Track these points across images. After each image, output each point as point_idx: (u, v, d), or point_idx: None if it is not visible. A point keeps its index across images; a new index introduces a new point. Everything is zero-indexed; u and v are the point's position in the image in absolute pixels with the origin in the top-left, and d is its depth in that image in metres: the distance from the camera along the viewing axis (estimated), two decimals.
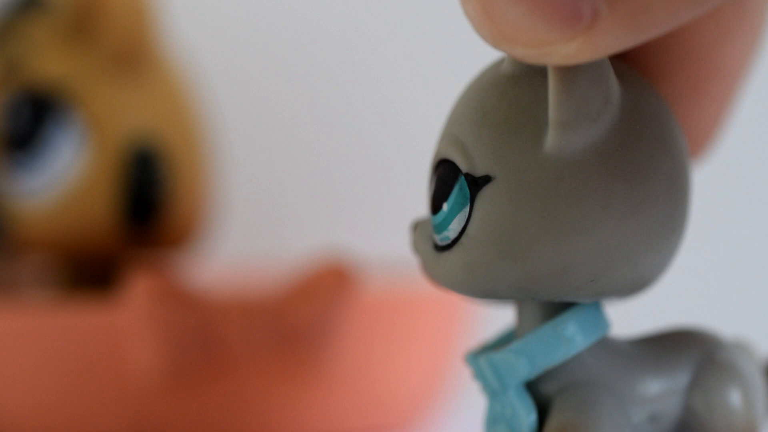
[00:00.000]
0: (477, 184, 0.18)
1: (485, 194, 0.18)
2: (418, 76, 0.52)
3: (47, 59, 0.37)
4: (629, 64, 0.20)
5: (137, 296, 0.32)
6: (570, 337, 0.18)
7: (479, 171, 0.18)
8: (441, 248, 0.18)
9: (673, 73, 0.20)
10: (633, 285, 0.18)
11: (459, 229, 0.18)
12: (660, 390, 0.19)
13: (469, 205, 0.18)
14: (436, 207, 0.18)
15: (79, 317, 0.33)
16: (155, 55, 0.38)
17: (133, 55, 0.38)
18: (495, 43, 0.15)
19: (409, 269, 0.38)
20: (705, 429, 0.19)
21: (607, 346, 0.19)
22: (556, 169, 0.17)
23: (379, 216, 0.52)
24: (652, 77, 0.20)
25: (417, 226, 0.20)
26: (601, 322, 0.19)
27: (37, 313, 0.34)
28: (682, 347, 0.20)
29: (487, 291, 0.18)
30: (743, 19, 0.19)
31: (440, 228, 0.18)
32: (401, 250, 0.40)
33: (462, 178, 0.18)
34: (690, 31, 0.19)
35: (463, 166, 0.18)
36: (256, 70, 0.52)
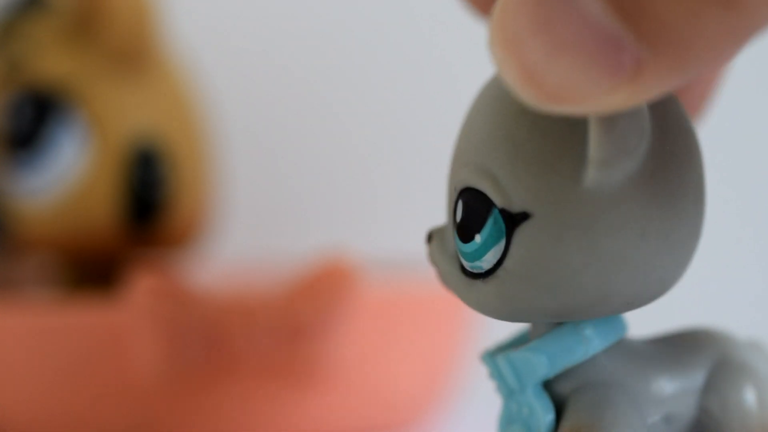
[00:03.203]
0: (514, 220, 0.17)
1: (524, 231, 0.17)
2: (418, 77, 0.52)
3: (50, 58, 0.37)
4: None
5: (139, 296, 0.32)
6: (589, 337, 0.18)
7: (516, 207, 0.17)
8: (473, 275, 0.18)
9: None
10: (659, 295, 0.18)
11: (494, 261, 0.18)
12: (675, 390, 0.19)
13: (505, 239, 0.18)
14: (466, 236, 0.18)
15: (82, 316, 0.33)
16: (157, 54, 0.38)
17: (135, 55, 0.38)
18: (541, 105, 0.15)
19: (409, 269, 0.38)
20: (720, 430, 0.19)
21: (621, 347, 0.19)
22: (595, 204, 0.17)
23: (380, 216, 0.52)
24: None
25: (433, 237, 0.19)
26: (619, 323, 0.19)
27: (39, 313, 0.34)
28: (696, 347, 0.20)
29: (522, 318, 0.18)
30: None
31: (472, 257, 0.18)
32: (401, 250, 0.40)
33: (496, 212, 0.18)
34: None
35: (498, 201, 0.18)
36: (258, 70, 0.52)
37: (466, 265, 0.18)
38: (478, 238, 0.18)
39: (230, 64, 0.51)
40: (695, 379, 0.19)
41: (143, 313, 0.32)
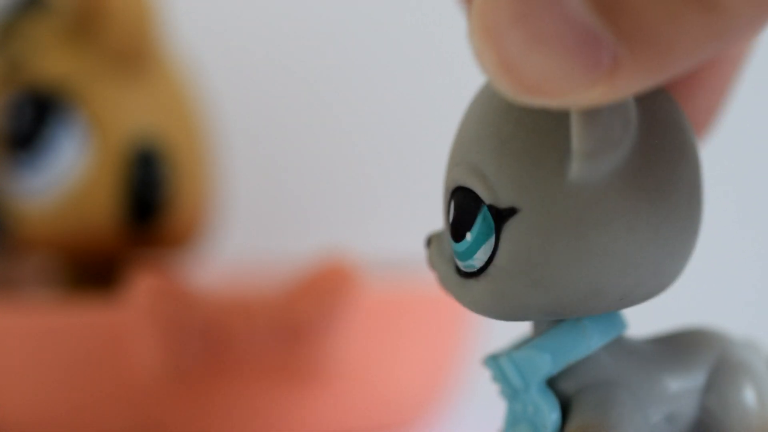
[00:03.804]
0: (502, 216, 0.17)
1: (512, 226, 0.17)
2: (418, 77, 0.52)
3: (50, 59, 0.37)
4: None
5: (139, 296, 0.32)
6: (590, 333, 0.19)
7: (503, 203, 0.17)
8: (466, 274, 0.18)
9: None
10: (656, 292, 0.18)
11: (485, 258, 0.18)
12: (678, 390, 0.19)
13: (494, 235, 0.18)
14: (458, 235, 0.18)
15: (82, 317, 0.33)
16: (157, 54, 0.38)
17: (136, 55, 0.38)
18: (515, 96, 0.15)
19: (409, 269, 0.38)
20: (721, 429, 0.19)
21: (623, 346, 0.19)
22: (581, 198, 0.17)
23: (379, 216, 0.52)
24: None
25: (432, 241, 0.19)
26: (619, 319, 0.19)
27: (39, 313, 0.34)
28: (697, 347, 0.20)
29: (516, 316, 0.18)
30: None
31: (464, 256, 0.18)
32: (401, 250, 0.40)
33: (485, 209, 0.18)
34: None
35: (486, 197, 0.18)
36: (258, 71, 0.52)
37: (460, 264, 0.18)
38: (468, 236, 0.18)
39: (230, 64, 0.51)
40: (697, 378, 0.19)
41: (143, 313, 0.32)
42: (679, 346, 0.20)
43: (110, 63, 0.37)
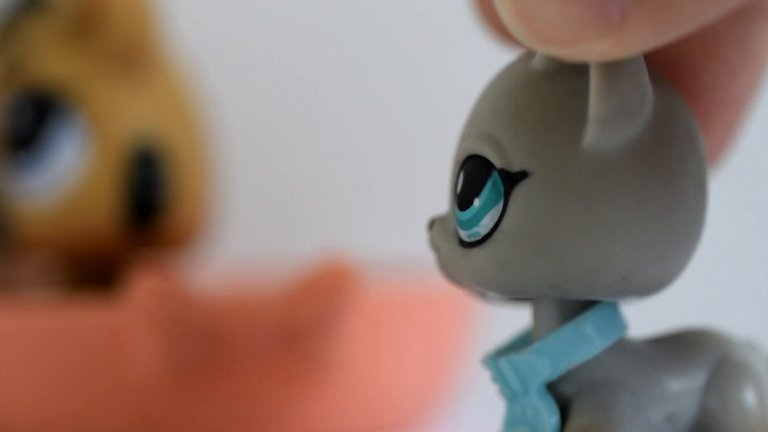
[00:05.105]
0: (513, 179, 0.18)
1: (521, 190, 0.18)
2: (418, 77, 0.52)
3: (50, 59, 0.37)
4: None
5: (139, 297, 0.32)
6: (591, 337, 0.18)
7: (515, 167, 0.18)
8: (469, 244, 0.18)
9: None
10: (658, 284, 0.19)
11: (491, 224, 0.18)
12: (678, 390, 0.19)
13: (503, 200, 0.18)
14: (465, 203, 0.18)
15: (82, 317, 0.33)
16: (157, 55, 0.38)
17: (136, 56, 0.38)
18: (530, 43, 0.16)
19: (410, 269, 0.38)
20: (721, 429, 0.19)
21: (624, 347, 0.19)
22: (594, 166, 0.17)
23: (380, 216, 0.52)
24: None
25: (434, 223, 0.20)
26: (620, 322, 0.19)
27: (39, 313, 0.34)
28: (697, 347, 0.20)
29: (517, 287, 0.18)
30: (747, 57, 0.20)
31: (470, 224, 0.18)
32: (401, 250, 0.40)
33: (495, 174, 0.18)
34: (697, 68, 0.20)
35: (498, 162, 0.18)
36: (258, 71, 0.52)
37: (464, 235, 0.18)
38: (476, 202, 0.18)
39: (230, 64, 0.51)
40: (697, 378, 0.19)
41: (144, 314, 0.32)
42: (679, 347, 0.20)
43: (110, 64, 0.37)
